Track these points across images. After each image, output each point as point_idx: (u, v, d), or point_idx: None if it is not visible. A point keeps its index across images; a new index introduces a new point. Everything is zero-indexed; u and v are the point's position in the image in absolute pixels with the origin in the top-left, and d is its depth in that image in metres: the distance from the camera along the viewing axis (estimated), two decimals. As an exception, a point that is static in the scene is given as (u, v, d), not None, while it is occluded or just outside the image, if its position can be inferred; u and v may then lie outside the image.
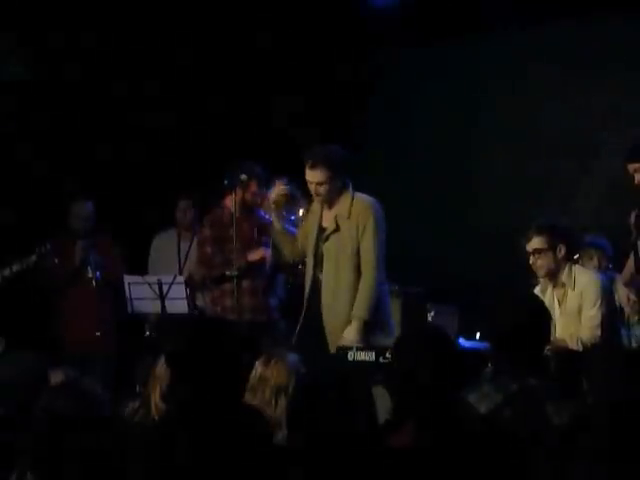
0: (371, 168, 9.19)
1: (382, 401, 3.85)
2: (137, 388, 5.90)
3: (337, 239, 6.06)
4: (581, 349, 5.70)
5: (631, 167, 6.11)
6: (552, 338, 5.29)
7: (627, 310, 6.12)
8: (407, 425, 3.40)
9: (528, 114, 8.77)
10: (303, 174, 6.11)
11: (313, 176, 5.96)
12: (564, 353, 5.56)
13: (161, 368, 4.14)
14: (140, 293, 7.29)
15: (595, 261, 7.12)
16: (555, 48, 8.67)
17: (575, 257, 6.12)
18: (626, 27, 8.34)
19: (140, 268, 8.17)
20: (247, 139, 8.64)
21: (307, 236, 6.18)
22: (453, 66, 9.11)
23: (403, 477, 3.18)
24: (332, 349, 5.96)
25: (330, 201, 6.04)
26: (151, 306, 7.31)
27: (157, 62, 8.99)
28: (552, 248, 5.97)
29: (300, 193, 6.45)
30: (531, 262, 6.02)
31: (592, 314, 5.90)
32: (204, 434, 3.01)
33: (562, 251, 5.98)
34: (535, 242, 6.00)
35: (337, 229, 6.07)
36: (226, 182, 6.01)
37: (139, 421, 4.23)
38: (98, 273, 7.98)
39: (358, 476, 3.25)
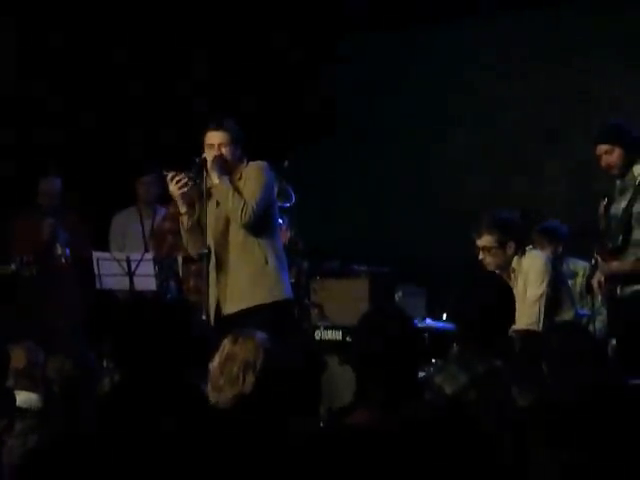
0: (341, 152, 9.22)
1: (350, 380, 3.87)
2: (105, 363, 5.93)
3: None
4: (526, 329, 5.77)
5: (600, 149, 6.11)
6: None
7: (598, 294, 6.19)
8: (366, 405, 3.42)
9: (497, 98, 8.81)
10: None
11: (215, 138, 6.01)
12: (528, 335, 5.62)
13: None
14: (109, 269, 7.28)
15: (548, 251, 7.20)
16: (523, 33, 8.71)
17: (528, 247, 6.17)
18: (592, 13, 8.42)
19: (107, 245, 8.17)
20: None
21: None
22: (424, 50, 9.12)
23: (362, 458, 3.20)
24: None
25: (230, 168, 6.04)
26: (120, 282, 7.31)
27: (127, 30, 8.95)
28: (501, 246, 6.02)
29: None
30: (480, 257, 6.07)
31: (532, 292, 5.95)
32: (142, 407, 3.02)
33: (512, 248, 6.04)
34: (485, 240, 6.04)
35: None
36: (197, 159, 6.00)
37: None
38: (67, 250, 7.97)
39: (316, 456, 3.26)
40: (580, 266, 7.35)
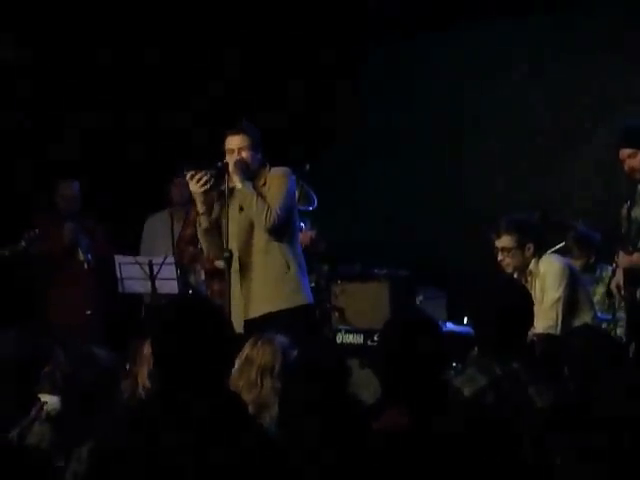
0: (361, 156, 9.23)
1: (371, 383, 3.89)
2: (127, 367, 5.96)
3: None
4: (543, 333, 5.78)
5: (623, 153, 6.11)
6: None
7: (617, 297, 6.19)
8: (392, 409, 3.44)
9: (515, 99, 8.80)
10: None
11: (235, 142, 6.02)
12: (548, 338, 5.62)
13: (148, 348, 4.17)
14: (131, 273, 7.32)
15: (581, 260, 7.18)
16: (539, 35, 8.71)
17: (558, 247, 6.17)
18: (611, 15, 8.41)
19: (131, 248, 8.20)
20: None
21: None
22: (440, 53, 9.13)
23: (388, 461, 3.22)
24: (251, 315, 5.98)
25: (252, 172, 6.06)
26: (142, 286, 7.35)
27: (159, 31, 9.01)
28: (520, 247, 6.04)
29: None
30: (499, 259, 6.08)
31: (550, 296, 5.97)
32: (181, 417, 3.02)
33: (530, 250, 6.05)
34: (504, 240, 6.06)
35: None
36: (219, 164, 6.02)
37: (127, 399, 4.29)
38: (89, 256, 8.01)
39: (346, 459, 3.27)
40: (610, 272, 7.29)
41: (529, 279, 6.06)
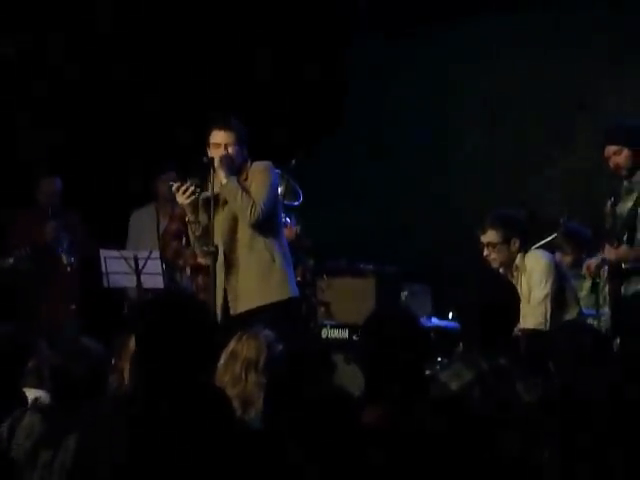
0: (348, 151, 9.23)
1: (356, 378, 3.89)
2: (112, 361, 5.95)
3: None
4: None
5: (608, 150, 6.12)
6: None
7: (601, 288, 6.21)
8: (374, 404, 3.44)
9: (505, 98, 8.81)
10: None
11: (221, 137, 6.02)
12: (534, 334, 5.64)
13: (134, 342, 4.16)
14: (116, 267, 7.30)
15: (571, 256, 7.20)
16: (531, 32, 8.72)
17: (543, 242, 6.19)
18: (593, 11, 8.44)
19: (116, 242, 8.19)
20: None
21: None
22: (431, 50, 9.12)
23: (370, 456, 3.22)
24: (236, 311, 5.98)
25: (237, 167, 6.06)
26: (127, 280, 7.33)
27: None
28: (506, 242, 6.07)
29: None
30: (485, 254, 6.10)
31: (537, 293, 6.00)
32: (164, 414, 3.02)
33: (516, 244, 6.09)
34: (489, 235, 6.09)
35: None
36: (205, 159, 6.02)
37: (112, 393, 4.28)
38: (72, 258, 7.99)
39: (330, 453, 3.27)
40: None
41: (515, 274, 6.08)
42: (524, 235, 6.13)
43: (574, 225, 7.41)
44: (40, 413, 3.90)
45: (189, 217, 6.06)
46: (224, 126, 6.05)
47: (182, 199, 5.98)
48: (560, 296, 6.04)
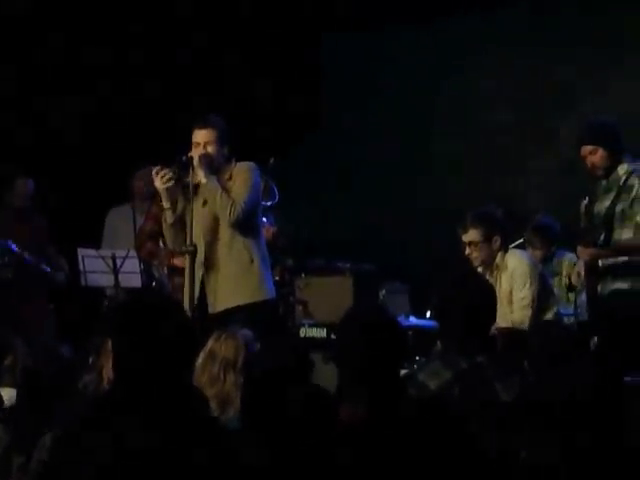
0: (326, 150, 9.23)
1: (334, 377, 3.89)
2: (90, 360, 5.94)
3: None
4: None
5: (584, 150, 6.11)
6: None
7: (576, 284, 6.23)
8: (348, 402, 3.45)
9: (481, 98, 8.84)
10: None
11: (202, 136, 6.01)
12: (510, 333, 5.65)
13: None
14: (94, 266, 7.28)
15: (540, 251, 7.23)
16: (506, 32, 8.75)
17: (519, 242, 6.21)
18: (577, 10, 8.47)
19: (93, 241, 8.17)
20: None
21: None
22: (409, 49, 9.15)
23: (344, 453, 3.22)
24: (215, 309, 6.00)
25: (217, 167, 6.06)
26: (105, 280, 7.31)
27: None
28: (487, 240, 6.08)
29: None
30: (466, 253, 6.12)
31: (522, 295, 6.02)
32: (141, 415, 3.02)
33: (497, 242, 6.10)
34: (471, 234, 6.10)
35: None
36: (183, 158, 6.01)
37: (91, 392, 4.28)
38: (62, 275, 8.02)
39: (307, 451, 3.28)
40: (566, 259, 7.32)
41: (495, 273, 6.09)
42: (505, 233, 6.15)
43: (544, 219, 7.45)
44: (2, 423, 3.88)
45: (164, 203, 6.03)
46: (203, 125, 6.04)
47: (160, 183, 5.95)
48: (539, 296, 6.06)
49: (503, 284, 6.03)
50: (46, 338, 7.44)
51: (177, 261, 6.68)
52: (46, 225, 8.25)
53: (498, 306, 5.90)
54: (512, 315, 5.97)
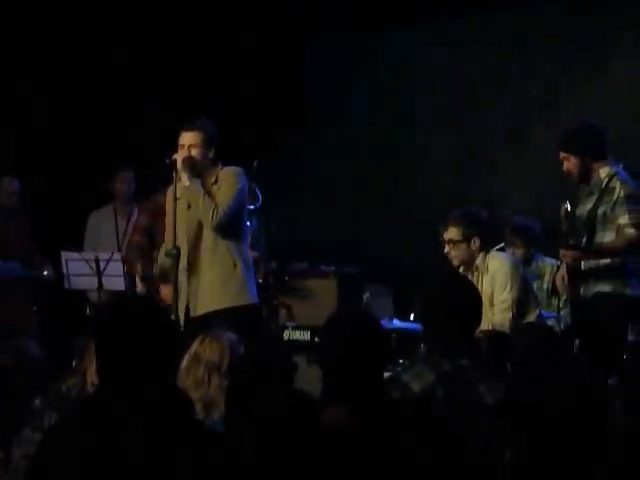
0: (310, 153, 9.24)
1: (318, 380, 3.89)
2: (73, 364, 5.91)
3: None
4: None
5: (561, 155, 6.13)
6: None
7: (560, 289, 6.24)
8: (332, 406, 3.45)
9: (465, 99, 8.86)
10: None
11: (187, 138, 6.00)
12: (494, 335, 5.67)
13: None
14: (77, 269, 7.28)
15: (520, 251, 7.25)
16: (491, 35, 8.77)
17: (501, 245, 6.23)
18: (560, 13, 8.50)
19: (76, 244, 8.16)
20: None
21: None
22: (392, 50, 9.17)
23: (327, 457, 3.23)
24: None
25: (200, 170, 6.06)
26: (88, 283, 7.30)
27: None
28: (466, 240, 6.10)
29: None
30: (446, 251, 6.14)
31: (503, 298, 6.04)
32: (125, 417, 3.02)
33: (476, 243, 6.12)
34: (450, 232, 6.13)
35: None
36: (167, 161, 6.01)
37: (75, 395, 4.27)
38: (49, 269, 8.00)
39: (291, 454, 3.28)
40: (548, 264, 7.36)
41: (475, 274, 6.11)
42: (484, 235, 6.16)
43: (522, 220, 7.48)
44: None
45: (186, 179, 5.94)
46: (190, 127, 6.04)
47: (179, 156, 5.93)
48: (521, 299, 6.08)
49: (484, 286, 6.04)
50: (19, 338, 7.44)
51: (165, 291, 6.45)
52: (30, 224, 8.24)
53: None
54: (493, 317, 5.99)
